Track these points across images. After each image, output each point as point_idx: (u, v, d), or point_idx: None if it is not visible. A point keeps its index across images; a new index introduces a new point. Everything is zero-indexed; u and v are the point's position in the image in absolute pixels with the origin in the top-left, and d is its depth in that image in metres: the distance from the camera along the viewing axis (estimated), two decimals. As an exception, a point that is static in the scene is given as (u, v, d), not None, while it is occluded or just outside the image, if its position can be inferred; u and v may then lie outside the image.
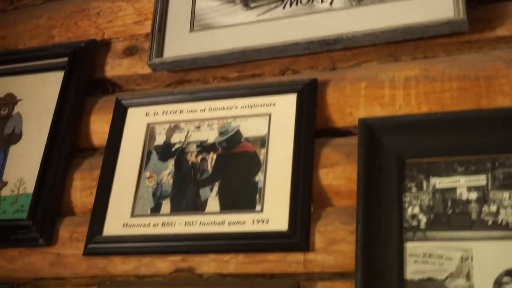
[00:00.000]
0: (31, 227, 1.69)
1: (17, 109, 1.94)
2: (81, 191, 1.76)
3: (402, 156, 1.43)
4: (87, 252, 1.63)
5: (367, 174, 1.42)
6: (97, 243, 1.63)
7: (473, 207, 1.34)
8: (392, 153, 1.43)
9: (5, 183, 1.81)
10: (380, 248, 1.36)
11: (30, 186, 1.77)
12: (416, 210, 1.38)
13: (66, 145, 1.81)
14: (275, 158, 1.58)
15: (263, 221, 1.52)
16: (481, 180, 1.35)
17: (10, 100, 1.96)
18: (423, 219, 1.37)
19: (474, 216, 1.33)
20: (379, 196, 1.40)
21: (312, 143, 1.58)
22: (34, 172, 1.78)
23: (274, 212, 1.52)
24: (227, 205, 1.57)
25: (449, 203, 1.36)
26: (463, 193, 1.36)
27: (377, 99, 1.57)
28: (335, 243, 1.46)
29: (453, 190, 1.37)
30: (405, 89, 1.55)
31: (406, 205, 1.39)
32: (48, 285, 1.67)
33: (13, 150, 1.87)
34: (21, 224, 1.70)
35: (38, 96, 1.92)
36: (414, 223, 1.37)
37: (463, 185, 1.36)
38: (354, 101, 1.59)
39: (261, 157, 1.60)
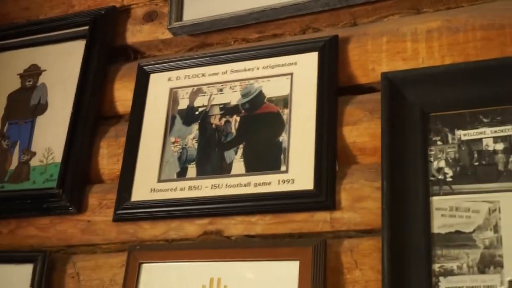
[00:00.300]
0: (61, 195, 1.71)
1: (41, 79, 1.95)
2: (108, 158, 1.78)
3: (426, 109, 1.41)
4: (117, 218, 1.66)
5: (391, 129, 1.41)
6: (125, 209, 1.65)
7: (500, 157, 1.32)
8: (415, 107, 1.41)
9: (33, 153, 1.84)
10: (406, 203, 1.35)
11: (58, 156, 1.79)
12: (442, 163, 1.36)
13: (91, 113, 1.82)
14: (298, 118, 1.58)
15: (289, 181, 1.52)
16: (507, 130, 1.33)
17: (35, 71, 1.97)
18: (449, 172, 1.35)
19: (500, 167, 1.31)
20: (404, 151, 1.39)
21: (335, 101, 1.56)
22: (61, 142, 1.80)
23: (299, 172, 1.52)
24: (252, 167, 1.58)
25: (475, 155, 1.34)
26: (489, 144, 1.34)
27: (399, 54, 1.54)
28: (361, 201, 1.45)
29: (479, 141, 1.35)
30: (428, 41, 1.52)
31: (432, 159, 1.38)
32: (79, 252, 1.70)
33: (40, 120, 1.89)
34: (51, 193, 1.73)
35: (62, 66, 1.93)
36: (440, 176, 1.36)
37: (489, 136, 1.34)
38: (376, 56, 1.57)
39: (285, 117, 1.59)
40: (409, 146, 1.40)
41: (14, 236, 1.77)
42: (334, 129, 1.53)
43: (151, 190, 1.65)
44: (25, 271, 1.64)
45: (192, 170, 1.63)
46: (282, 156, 1.55)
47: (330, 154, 1.50)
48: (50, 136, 1.84)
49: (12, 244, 1.77)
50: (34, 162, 1.83)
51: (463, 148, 1.36)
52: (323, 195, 1.47)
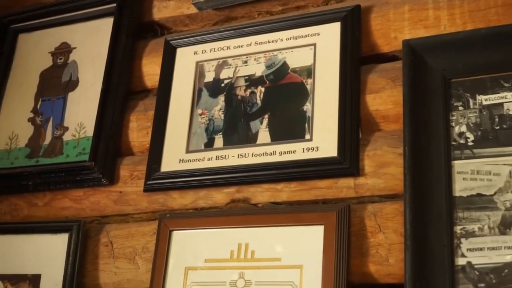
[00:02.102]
0: (93, 168, 1.77)
1: (72, 57, 2.01)
2: (138, 131, 1.83)
3: (448, 75, 1.43)
4: (147, 189, 1.71)
5: (413, 96, 1.43)
6: (155, 180, 1.70)
7: (520, 121, 1.34)
8: (437, 73, 1.43)
9: (66, 128, 1.90)
10: (428, 168, 1.37)
11: (89, 130, 1.85)
12: (463, 128, 1.38)
13: (121, 88, 1.88)
14: (322, 87, 1.60)
15: (313, 149, 1.55)
16: (528, 93, 1.35)
17: (65, 49, 2.03)
18: (470, 136, 1.37)
19: (521, 130, 1.33)
20: (426, 117, 1.41)
21: (358, 70, 1.59)
22: (92, 116, 1.85)
23: (323, 140, 1.55)
24: (277, 136, 1.61)
25: (496, 119, 1.36)
26: (510, 109, 1.36)
27: (421, 21, 1.56)
28: (384, 167, 1.48)
29: (500, 106, 1.37)
30: (450, 9, 1.53)
31: (453, 124, 1.40)
32: (112, 222, 1.76)
33: (72, 96, 1.94)
34: (84, 166, 1.79)
35: (91, 43, 1.98)
36: (462, 141, 1.38)
37: (510, 100, 1.36)
38: (398, 25, 1.58)
39: (308, 87, 1.62)
40: (431, 112, 1.42)
41: (49, 208, 1.84)
42: (357, 98, 1.56)
43: (180, 160, 1.70)
44: (61, 240, 1.70)
45: (219, 140, 1.68)
46: (306, 125, 1.58)
47: (354, 122, 1.53)
48: (82, 111, 1.90)
49: (48, 216, 1.83)
50: (67, 136, 1.89)
51: (484, 113, 1.38)
52: (347, 162, 1.50)
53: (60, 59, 2.02)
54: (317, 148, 1.55)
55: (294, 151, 1.57)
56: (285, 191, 1.56)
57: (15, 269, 1.74)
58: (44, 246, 1.73)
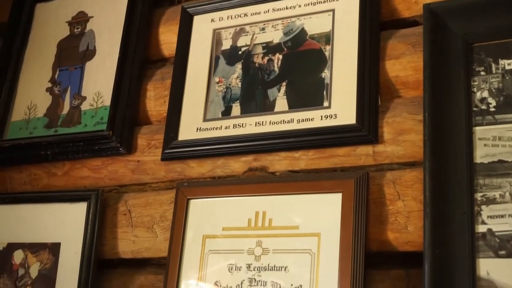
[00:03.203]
0: (111, 137, 1.77)
1: (89, 26, 1.99)
2: (155, 100, 1.82)
3: (469, 39, 1.39)
4: (165, 158, 1.70)
5: (433, 61, 1.40)
6: (173, 148, 1.69)
7: (544, 86, 1.30)
8: (458, 38, 1.40)
9: (84, 98, 1.89)
10: (448, 134, 1.35)
11: (107, 99, 1.84)
12: (485, 93, 1.35)
13: (138, 57, 1.86)
14: (340, 54, 1.58)
15: (331, 117, 1.53)
16: (552, 57, 1.31)
17: (82, 18, 2.01)
18: (492, 102, 1.34)
19: (545, 95, 1.30)
20: (446, 83, 1.38)
21: (377, 36, 1.55)
22: (110, 86, 1.85)
23: (341, 107, 1.53)
24: (295, 104, 1.59)
25: (520, 85, 1.33)
26: (534, 73, 1.32)
27: (442, -15, 1.52)
28: (404, 134, 1.46)
29: (523, 70, 1.33)
30: (472, -29, 1.49)
31: (475, 89, 1.37)
32: (130, 191, 1.76)
33: (89, 66, 1.93)
34: (102, 135, 1.79)
35: (108, 12, 1.97)
36: (483, 107, 1.35)
37: (534, 64, 1.32)
38: (419, -12, 1.55)
39: (327, 53, 1.60)
40: (451, 78, 1.39)
41: (68, 177, 1.85)
42: (377, 64, 1.53)
43: (197, 129, 1.69)
44: (79, 209, 1.71)
45: (236, 108, 1.66)
46: (324, 92, 1.56)
47: (373, 89, 1.51)
48: (99, 80, 1.89)
49: (66, 185, 1.84)
50: (84, 106, 1.88)
51: (507, 78, 1.34)
52: (366, 129, 1.48)
53: (77, 28, 2.01)
54: (335, 115, 1.53)
55: (312, 119, 1.55)
56: (303, 159, 1.55)
57: (35, 237, 1.75)
58: (63, 215, 1.73)
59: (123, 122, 1.80)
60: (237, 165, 1.63)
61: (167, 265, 1.55)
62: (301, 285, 1.39)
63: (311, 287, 1.38)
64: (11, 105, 2.01)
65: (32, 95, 1.99)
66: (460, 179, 1.30)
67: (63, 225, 1.73)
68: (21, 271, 1.74)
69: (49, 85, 1.97)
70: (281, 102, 1.61)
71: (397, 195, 1.41)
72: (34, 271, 1.72)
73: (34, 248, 1.74)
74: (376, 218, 1.41)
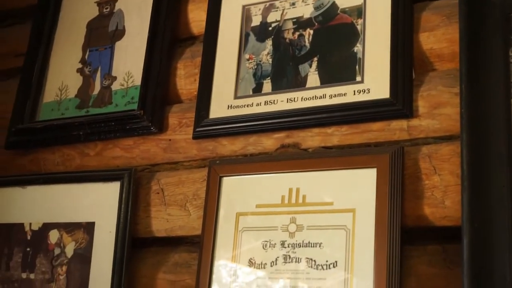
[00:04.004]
0: (142, 116, 1.77)
1: (118, 6, 1.99)
2: (185, 79, 1.81)
3: (507, 9, 1.35)
4: (196, 136, 1.70)
5: (469, 32, 1.36)
6: (204, 126, 1.69)
7: None
8: (495, 7, 1.36)
9: (114, 78, 1.89)
10: (485, 107, 1.32)
11: (137, 79, 1.84)
12: (524, 64, 1.32)
13: (167, 36, 1.85)
14: (373, 27, 1.55)
15: (364, 91, 1.51)
16: None
17: (111, -2, 2.01)
18: (531, 73, 1.31)
19: None
20: (483, 54, 1.35)
21: (410, 8, 1.52)
22: (140, 65, 1.85)
23: (375, 81, 1.51)
24: (327, 79, 1.57)
25: (560, 53, 1.29)
26: None
27: (478, -47, 1.47)
28: (439, 107, 1.43)
29: None
30: None
31: (513, 60, 1.33)
32: (163, 170, 1.76)
33: (119, 45, 1.93)
34: (133, 115, 1.79)
35: (137, -9, 1.96)
36: (522, 77, 1.31)
37: None
38: (453, -43, 1.51)
39: (359, 27, 1.57)
40: (488, 49, 1.35)
41: (101, 157, 1.85)
42: (410, 36, 1.50)
43: (228, 106, 1.68)
44: (113, 188, 1.72)
45: (267, 85, 1.65)
46: (357, 67, 1.54)
47: (406, 62, 1.48)
48: (129, 60, 1.89)
49: (99, 165, 1.85)
50: (115, 86, 1.89)
51: (546, 47, 1.31)
52: (400, 103, 1.45)
53: (106, 8, 2.01)
54: (369, 90, 1.51)
55: (345, 94, 1.53)
56: (336, 135, 1.53)
57: (70, 217, 1.77)
58: (97, 195, 1.74)
59: (154, 101, 1.79)
60: (269, 142, 1.61)
61: (201, 243, 1.55)
62: (336, 262, 1.38)
63: (346, 263, 1.37)
64: (43, 87, 2.02)
65: (63, 76, 2.00)
66: (499, 153, 1.28)
67: (97, 204, 1.74)
68: (57, 251, 1.76)
69: (80, 65, 1.98)
70: (313, 78, 1.59)
71: (433, 170, 1.38)
72: (69, 251, 1.73)
73: (69, 227, 1.76)
74: (412, 193, 1.39)
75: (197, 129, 1.70)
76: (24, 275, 1.78)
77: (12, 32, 2.22)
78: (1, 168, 1.99)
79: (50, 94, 2.00)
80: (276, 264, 1.45)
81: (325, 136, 1.54)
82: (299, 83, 1.60)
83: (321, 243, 1.41)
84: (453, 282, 1.29)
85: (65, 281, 1.72)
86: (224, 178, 1.59)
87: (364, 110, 1.50)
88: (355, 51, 1.55)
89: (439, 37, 1.48)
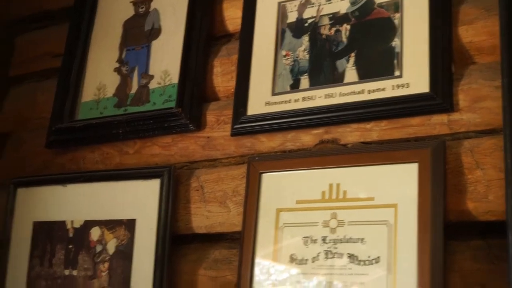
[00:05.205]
0: (180, 114, 1.78)
1: (153, 5, 2.01)
2: (222, 76, 1.82)
3: (549, 0, 1.34)
4: (235, 133, 1.71)
5: (511, 24, 1.35)
6: (242, 123, 1.70)
7: None
8: (537, -1, 1.34)
9: (151, 77, 1.91)
10: (529, 99, 1.30)
11: (174, 77, 1.86)
12: None
13: (203, 34, 1.86)
14: (410, 21, 1.54)
15: (403, 86, 1.50)
16: None
17: (146, -3, 2.03)
18: None
19: None
20: (525, 46, 1.33)
21: (449, 1, 1.51)
22: (176, 64, 1.86)
23: (414, 76, 1.50)
24: (365, 74, 1.57)
25: None
26: None
27: None
28: (480, 101, 1.42)
29: None
30: None
31: (556, 51, 1.31)
32: (201, 167, 1.77)
33: (155, 44, 1.95)
34: (171, 112, 1.80)
35: (172, -10, 1.98)
36: None
37: None
38: (492, -51, 1.49)
39: (396, 21, 1.56)
40: (530, 41, 1.34)
41: (140, 155, 1.88)
42: (449, 30, 1.49)
43: (266, 103, 1.68)
44: (153, 186, 1.74)
45: (305, 81, 1.65)
46: (395, 61, 1.53)
47: (446, 56, 1.47)
48: (166, 58, 1.90)
49: (138, 163, 1.87)
50: (152, 84, 1.90)
51: None
52: (440, 97, 1.44)
53: (142, 8, 2.03)
54: (408, 84, 1.50)
55: (384, 89, 1.53)
56: (375, 130, 1.53)
57: (111, 214, 1.79)
58: (137, 192, 1.77)
59: (192, 99, 1.81)
60: (307, 138, 1.62)
61: (241, 239, 1.56)
62: (379, 257, 1.38)
63: (389, 258, 1.37)
64: (81, 86, 2.05)
65: (101, 76, 2.02)
66: (543, 146, 1.26)
67: (137, 202, 1.76)
68: (98, 248, 1.78)
69: (117, 65, 2.00)
70: (351, 73, 1.59)
71: (475, 164, 1.37)
72: (111, 247, 1.76)
73: (110, 225, 1.78)
74: (454, 187, 1.38)
75: (235, 126, 1.71)
76: (67, 272, 1.82)
77: (49, 33, 2.25)
78: (42, 167, 2.03)
79: (88, 93, 2.03)
80: (317, 260, 1.45)
81: (364, 132, 1.54)
82: (337, 79, 1.60)
83: (363, 238, 1.41)
84: (498, 277, 1.28)
85: (107, 277, 1.74)
86: (264, 174, 1.59)
87: (403, 104, 1.49)
88: (393, 45, 1.55)
89: (479, 30, 1.47)
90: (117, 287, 1.71)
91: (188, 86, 1.82)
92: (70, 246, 1.83)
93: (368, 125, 1.54)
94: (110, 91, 1.98)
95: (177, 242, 1.71)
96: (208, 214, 1.69)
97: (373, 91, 1.54)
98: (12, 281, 1.90)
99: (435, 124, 1.46)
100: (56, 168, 2.01)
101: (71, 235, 1.84)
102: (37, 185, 1.95)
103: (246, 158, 1.67)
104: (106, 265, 1.75)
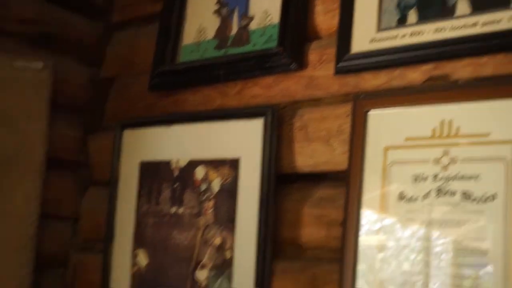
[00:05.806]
0: (282, 53, 1.76)
1: None
2: (324, 14, 1.79)
3: None
4: (338, 71, 1.68)
5: None
6: (346, 61, 1.66)
7: None
8: None
9: (251, 18, 1.90)
10: None
11: (275, 17, 1.83)
12: None
13: (303, -28, 1.82)
14: None
15: (521, 17, 1.42)
16: None
17: None
18: None
19: None
20: None
21: None
22: (276, 3, 1.83)
23: (532, 6, 1.41)
24: (478, 6, 1.49)
25: None
26: None
27: None
28: None
29: None
30: None
31: None
32: (304, 107, 1.75)
33: (254, -15, 1.93)
34: (273, 52, 1.79)
35: None
36: None
37: None
38: None
39: (513, -51, 1.47)
40: None
41: (241, 96, 1.88)
42: None
43: (371, 40, 1.64)
44: (256, 125, 1.74)
45: (412, 16, 1.59)
46: (512, -9, 1.45)
47: None
48: (266, -1, 1.88)
49: (239, 105, 1.87)
50: (252, 25, 1.89)
51: None
52: (563, 27, 1.36)
53: None
54: (526, 15, 1.42)
55: (499, 21, 1.45)
56: (490, 65, 1.45)
57: (214, 154, 1.82)
58: (240, 132, 1.77)
59: (293, 38, 1.78)
60: (415, 75, 1.56)
61: (348, 178, 1.55)
62: (495, 194, 1.33)
63: (506, 195, 1.32)
64: (182, 30, 2.06)
65: (201, 19, 2.03)
66: None
67: (241, 141, 1.77)
68: (203, 186, 1.82)
69: (216, 7, 2.00)
70: (462, 6, 1.52)
71: None
72: (215, 186, 1.79)
73: (214, 164, 1.81)
74: None
75: (339, 65, 1.67)
76: (173, 210, 1.87)
77: (148, -22, 2.28)
78: (147, 109, 2.07)
79: (189, 36, 2.04)
80: (428, 197, 1.42)
81: (477, 67, 1.47)
82: (447, 12, 1.53)
83: (478, 175, 1.36)
84: None
85: (213, 215, 1.78)
86: (370, 112, 1.56)
87: (522, 36, 1.41)
88: (509, -26, 1.46)
89: None
90: (223, 224, 1.75)
91: (289, 25, 1.79)
92: (176, 185, 1.87)
93: (482, 60, 1.47)
94: (210, 33, 1.99)
95: (281, 181, 1.71)
96: (312, 153, 1.68)
97: (487, 23, 1.46)
98: (122, 218, 1.98)
99: (556, 56, 1.38)
100: (159, 111, 2.05)
101: (176, 174, 1.88)
102: (142, 127, 2.01)
103: (350, 96, 1.64)
104: (211, 203, 1.78)
